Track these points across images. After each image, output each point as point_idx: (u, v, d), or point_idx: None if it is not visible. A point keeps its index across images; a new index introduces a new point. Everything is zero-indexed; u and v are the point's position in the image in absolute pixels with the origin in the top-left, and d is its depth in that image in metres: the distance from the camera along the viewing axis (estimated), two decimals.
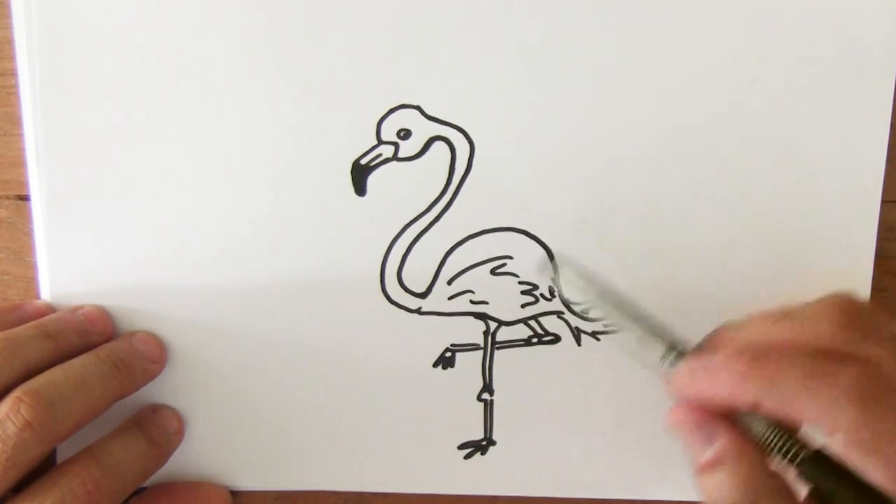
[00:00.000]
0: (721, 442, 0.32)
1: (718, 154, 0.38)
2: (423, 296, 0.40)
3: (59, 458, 0.39)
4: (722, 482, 0.31)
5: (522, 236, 0.39)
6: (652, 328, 0.34)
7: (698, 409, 0.33)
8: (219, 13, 0.37)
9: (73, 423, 0.35)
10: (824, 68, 0.37)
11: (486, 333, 0.40)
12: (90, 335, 0.38)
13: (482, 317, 0.40)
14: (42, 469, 0.35)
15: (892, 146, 0.39)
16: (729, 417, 0.32)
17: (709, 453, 0.32)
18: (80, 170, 0.38)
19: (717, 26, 0.37)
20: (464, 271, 0.39)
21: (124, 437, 0.38)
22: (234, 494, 0.42)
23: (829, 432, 0.30)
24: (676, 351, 0.33)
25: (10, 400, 0.34)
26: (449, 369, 0.40)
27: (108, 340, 0.39)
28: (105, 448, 0.37)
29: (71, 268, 0.39)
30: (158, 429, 0.39)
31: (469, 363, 0.40)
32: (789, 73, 0.38)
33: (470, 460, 0.41)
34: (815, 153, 0.38)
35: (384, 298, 0.40)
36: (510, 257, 0.39)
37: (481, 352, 0.40)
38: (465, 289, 0.40)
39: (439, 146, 0.38)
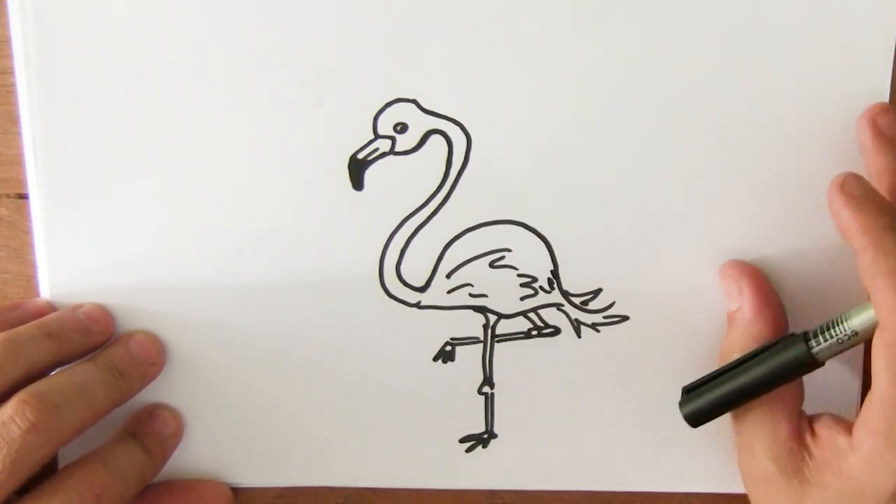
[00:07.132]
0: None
1: (716, 150, 0.38)
2: (422, 290, 0.40)
3: (61, 463, 0.39)
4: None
5: (521, 229, 0.39)
6: None
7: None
8: (215, 9, 0.37)
9: (76, 427, 0.35)
10: (822, 67, 0.37)
11: (485, 327, 0.40)
12: (92, 334, 0.38)
13: (482, 310, 0.40)
14: (42, 475, 0.35)
15: None
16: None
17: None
18: (80, 168, 0.39)
19: (714, 23, 0.37)
20: (462, 265, 0.39)
21: (126, 442, 0.38)
22: (235, 492, 0.42)
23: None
24: None
25: (14, 402, 0.34)
26: (449, 363, 0.40)
27: (109, 339, 0.39)
28: (110, 452, 0.37)
29: (70, 266, 0.39)
30: (153, 436, 0.39)
31: (469, 357, 0.40)
32: (786, 72, 0.37)
33: (471, 454, 0.41)
34: (814, 152, 0.38)
35: (383, 293, 0.40)
36: (509, 250, 0.39)
37: (481, 345, 0.40)
38: (464, 282, 0.40)
39: (436, 140, 0.38)
